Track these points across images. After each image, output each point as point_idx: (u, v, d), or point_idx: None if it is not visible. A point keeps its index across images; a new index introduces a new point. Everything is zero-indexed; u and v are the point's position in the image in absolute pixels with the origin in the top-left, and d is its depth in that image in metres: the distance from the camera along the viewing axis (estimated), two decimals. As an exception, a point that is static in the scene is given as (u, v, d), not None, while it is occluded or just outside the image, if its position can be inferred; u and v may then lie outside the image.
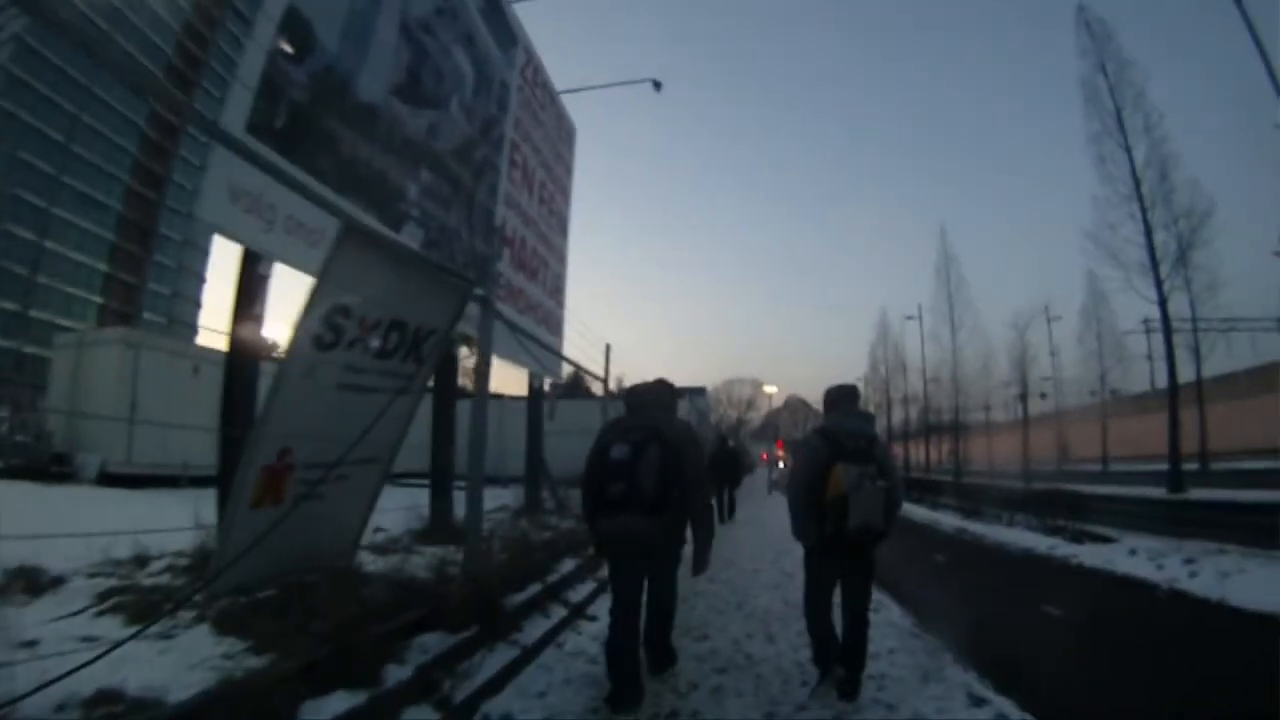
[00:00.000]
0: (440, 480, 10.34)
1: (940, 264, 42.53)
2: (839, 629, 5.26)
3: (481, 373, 6.94)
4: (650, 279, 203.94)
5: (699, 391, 57.69)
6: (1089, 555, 12.43)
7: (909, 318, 45.63)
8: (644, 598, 5.18)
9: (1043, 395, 47.00)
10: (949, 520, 19.68)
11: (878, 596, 7.68)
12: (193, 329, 70.74)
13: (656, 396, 5.38)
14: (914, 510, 22.96)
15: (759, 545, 13.33)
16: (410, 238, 9.30)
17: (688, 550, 5.32)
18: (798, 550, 5.53)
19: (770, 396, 59.12)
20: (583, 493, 5.16)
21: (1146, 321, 39.92)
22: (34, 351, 51.87)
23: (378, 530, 8.44)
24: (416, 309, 5.94)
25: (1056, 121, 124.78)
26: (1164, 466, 23.75)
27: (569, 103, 16.23)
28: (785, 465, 46.11)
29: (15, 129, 59.09)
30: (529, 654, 5.74)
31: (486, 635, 5.58)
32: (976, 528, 17.63)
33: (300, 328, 4.97)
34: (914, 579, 10.50)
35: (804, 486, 5.02)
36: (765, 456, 53.57)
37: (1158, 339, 38.96)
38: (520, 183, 13.31)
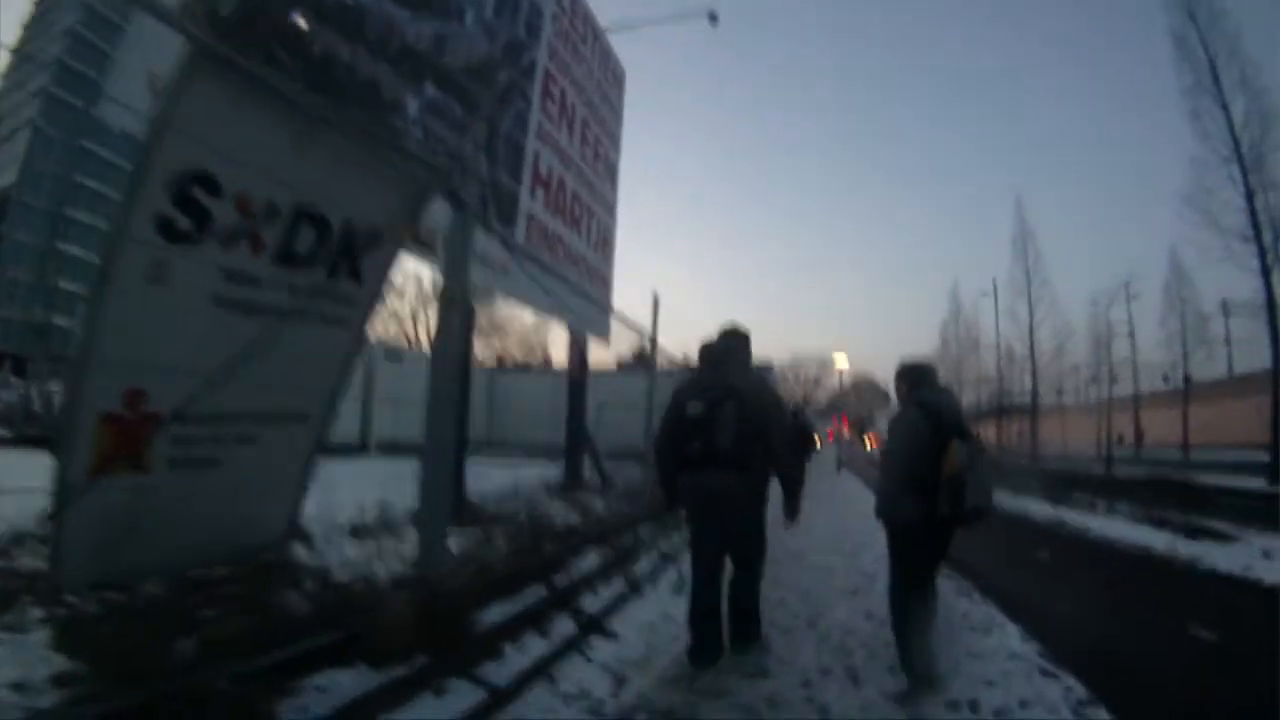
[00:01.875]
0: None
1: (1017, 236, 40.76)
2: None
3: (452, 302, 5.10)
4: (714, 250, 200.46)
5: (767, 369, 55.99)
6: (1219, 557, 10.42)
7: (984, 294, 43.85)
8: (725, 561, 5.11)
9: (1113, 380, 44.58)
10: (1040, 509, 17.44)
11: (989, 612, 6.84)
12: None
13: (727, 351, 5.21)
14: (998, 497, 20.71)
15: (832, 533, 11.50)
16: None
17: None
18: (878, 542, 5.46)
19: (841, 373, 57.02)
20: (657, 452, 5.29)
21: (1225, 302, 38.42)
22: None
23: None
24: (339, 196, 4.20)
25: (1145, 91, 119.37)
26: (1245, 456, 23.68)
27: (619, 48, 14.64)
28: (855, 443, 44.65)
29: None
30: (500, 698, 3.93)
31: (437, 670, 3.84)
32: (1073, 518, 15.33)
33: (135, 202, 3.25)
34: (1023, 586, 8.61)
35: (907, 464, 4.64)
36: (831, 435, 51.87)
37: (1236, 322, 38.08)
38: (557, 118, 11.63)
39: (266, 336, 3.87)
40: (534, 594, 5.48)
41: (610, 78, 14.21)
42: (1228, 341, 40.98)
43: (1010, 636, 6.03)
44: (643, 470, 10.94)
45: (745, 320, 5.24)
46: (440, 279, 5.41)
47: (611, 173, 14.34)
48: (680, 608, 5.63)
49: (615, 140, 14.58)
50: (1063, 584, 9.15)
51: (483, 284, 9.04)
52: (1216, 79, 20.02)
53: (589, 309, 11.11)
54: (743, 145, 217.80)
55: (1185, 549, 11.16)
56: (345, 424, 21.21)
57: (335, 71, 6.85)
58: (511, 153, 10.16)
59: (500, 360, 44.91)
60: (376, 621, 3.78)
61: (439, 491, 4.82)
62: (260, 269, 3.93)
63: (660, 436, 5.22)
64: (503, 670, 4.25)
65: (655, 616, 6.11)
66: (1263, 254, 18.72)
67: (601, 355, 13.91)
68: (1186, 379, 41.83)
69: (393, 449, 21.81)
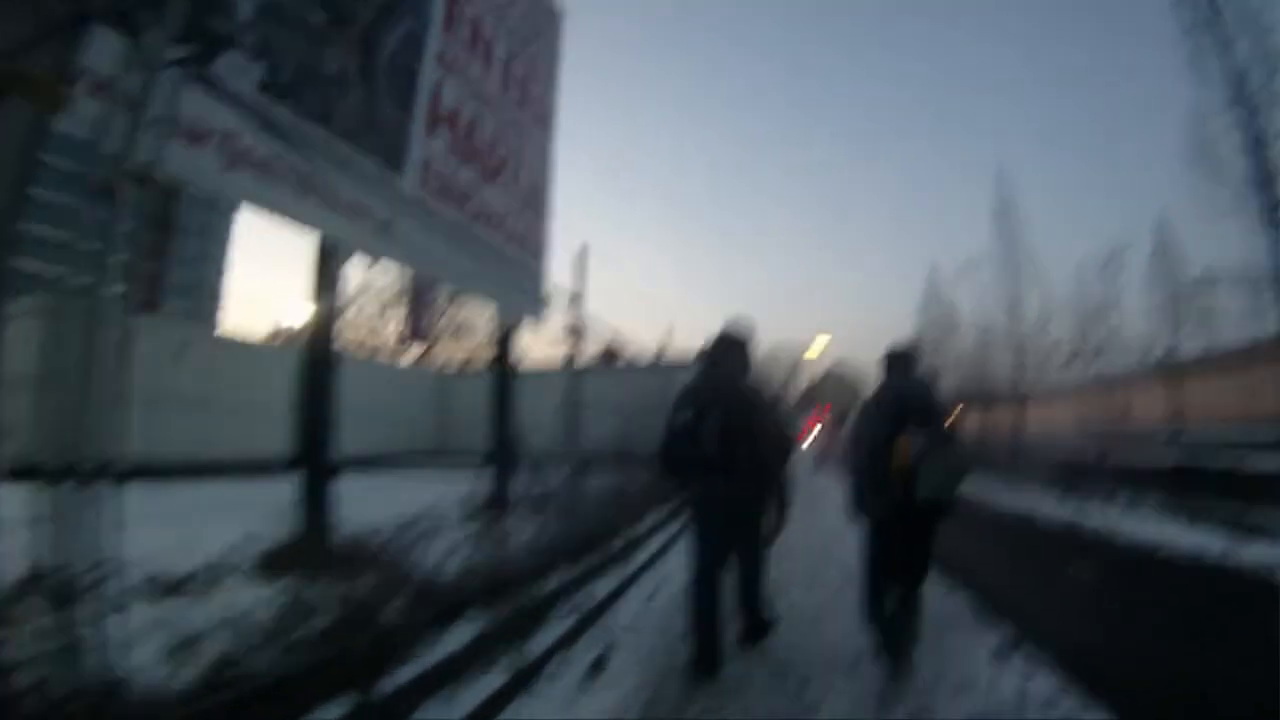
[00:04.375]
0: (312, 473, 6.88)
1: (998, 209, 38.99)
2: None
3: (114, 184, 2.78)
4: (688, 242, 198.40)
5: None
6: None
7: (963, 270, 41.97)
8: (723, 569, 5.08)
9: (1098, 352, 42.75)
10: (1048, 508, 15.15)
11: (1050, 687, 4.74)
12: (214, 317, 71.17)
13: (722, 354, 5.27)
14: (995, 491, 18.59)
15: (815, 557, 9.05)
16: (237, 73, 5.68)
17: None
18: None
19: (822, 349, 55.25)
20: (659, 457, 5.14)
21: (1209, 272, 36.31)
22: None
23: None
24: None
25: (1126, 59, 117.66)
26: (1241, 434, 23.18)
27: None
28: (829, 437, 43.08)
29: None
30: None
31: None
32: (1093, 518, 12.69)
33: None
34: (1080, 630, 6.26)
35: (866, 457, 4.76)
36: (813, 423, 50.08)
37: (1224, 293, 37.01)
38: (469, 45, 9.47)
39: None
40: (333, 710, 3.28)
41: (542, 11, 12.09)
42: (1213, 315, 39.68)
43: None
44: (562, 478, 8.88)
45: (722, 314, 4.29)
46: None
47: (543, 119, 12.09)
48: (592, 706, 4.43)
49: (548, 82, 12.33)
50: (1132, 626, 6.65)
51: (353, 244, 6.94)
52: (1218, 13, 18.49)
53: (513, 281, 8.87)
54: (718, 136, 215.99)
55: (1259, 554, 8.98)
56: (283, 436, 18.89)
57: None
58: (399, 79, 8.05)
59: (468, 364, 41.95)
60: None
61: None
62: None
63: (661, 442, 5.10)
64: None
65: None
66: (1273, 207, 17.06)
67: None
68: (1170, 355, 40.75)
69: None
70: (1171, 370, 41.02)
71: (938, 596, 7.20)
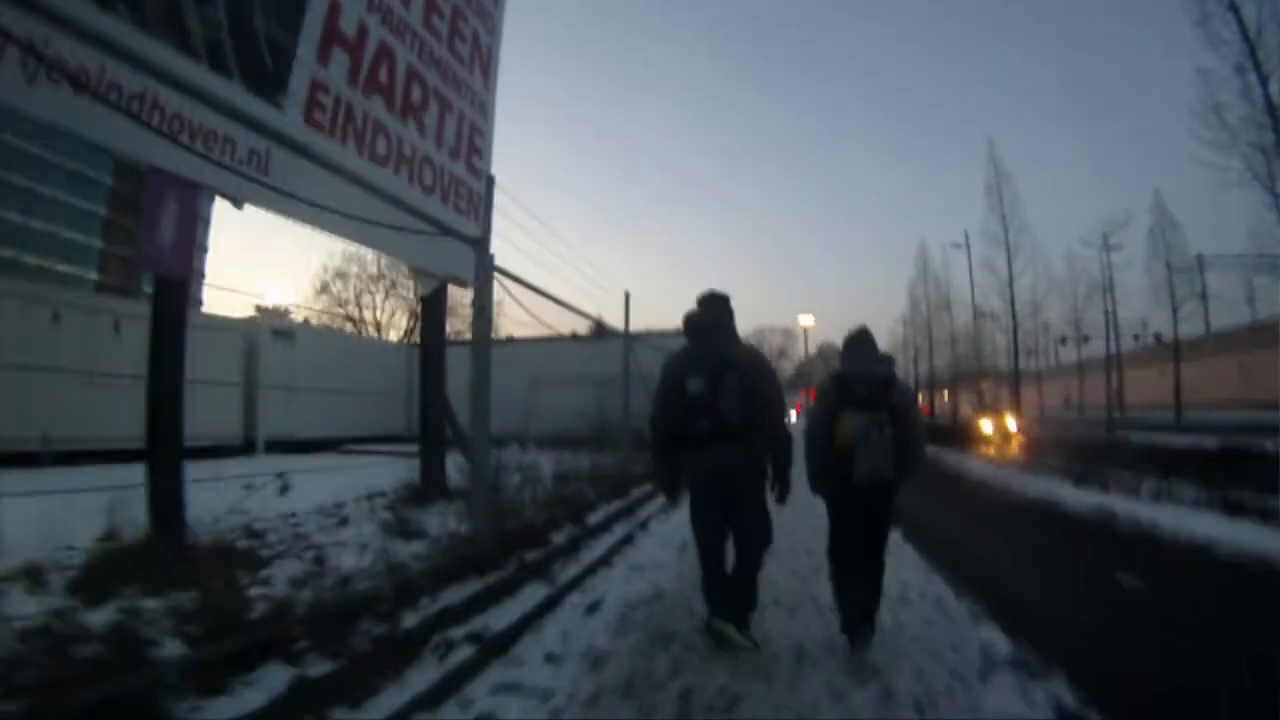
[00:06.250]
0: (157, 461, 5.82)
1: (991, 182, 38.10)
2: None
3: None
4: (663, 213, 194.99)
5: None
6: None
7: (955, 246, 41.02)
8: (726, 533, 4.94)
9: (1085, 338, 41.84)
10: (1067, 492, 13.55)
11: None
12: (197, 299, 69.81)
13: (714, 318, 5.03)
14: (998, 474, 17.08)
15: (806, 557, 7.18)
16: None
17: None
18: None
19: (806, 330, 53.64)
20: (656, 430, 5.04)
21: (1199, 256, 37.57)
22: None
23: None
24: None
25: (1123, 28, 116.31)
26: (1243, 414, 23.43)
27: None
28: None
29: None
30: None
31: None
32: (1120, 505, 11.31)
33: None
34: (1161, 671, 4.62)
35: (818, 436, 4.79)
36: (799, 407, 48.54)
37: (1213, 276, 37.91)
38: (374, -40, 8.03)
39: None
40: None
41: (476, -61, 10.45)
42: (1203, 295, 39.34)
43: None
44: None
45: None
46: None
47: (482, 60, 10.63)
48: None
49: (489, 22, 10.85)
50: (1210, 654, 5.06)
51: (211, 182, 5.69)
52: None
53: (435, 238, 7.41)
54: (698, 110, 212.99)
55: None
56: (224, 417, 18.05)
57: None
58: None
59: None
60: None
61: None
62: None
63: (659, 417, 4.95)
64: None
65: None
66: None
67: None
68: (1155, 336, 39.96)
69: (287, 446, 18.73)
70: (1148, 356, 40.01)
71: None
